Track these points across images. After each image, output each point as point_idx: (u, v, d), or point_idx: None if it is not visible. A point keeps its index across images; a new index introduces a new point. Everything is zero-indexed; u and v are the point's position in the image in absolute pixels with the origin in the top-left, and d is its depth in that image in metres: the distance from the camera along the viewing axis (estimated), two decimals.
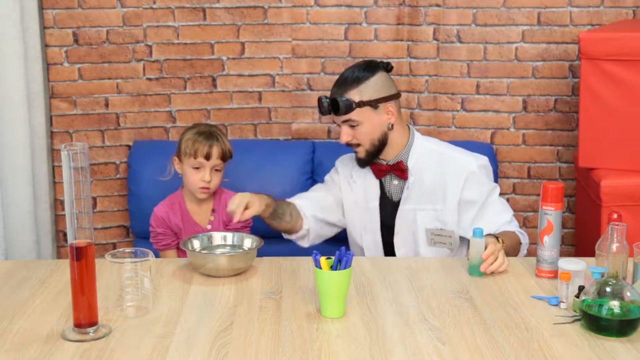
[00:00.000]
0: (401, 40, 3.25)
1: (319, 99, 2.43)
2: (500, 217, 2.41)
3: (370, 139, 2.42)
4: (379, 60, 2.50)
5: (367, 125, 2.40)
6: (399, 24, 3.24)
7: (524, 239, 2.41)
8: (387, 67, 2.48)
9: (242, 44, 3.26)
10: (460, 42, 3.23)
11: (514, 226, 2.41)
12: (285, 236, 2.54)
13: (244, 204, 2.24)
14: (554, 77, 3.23)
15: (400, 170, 2.47)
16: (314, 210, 2.52)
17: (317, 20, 3.25)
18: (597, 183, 2.75)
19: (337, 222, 2.59)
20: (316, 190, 2.62)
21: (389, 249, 2.51)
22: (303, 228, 2.49)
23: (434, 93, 3.28)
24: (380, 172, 2.49)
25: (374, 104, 2.40)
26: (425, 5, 3.20)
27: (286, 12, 3.24)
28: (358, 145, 2.43)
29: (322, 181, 2.68)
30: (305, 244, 2.55)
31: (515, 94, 3.26)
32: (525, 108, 3.27)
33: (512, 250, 2.32)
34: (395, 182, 2.49)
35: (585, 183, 2.95)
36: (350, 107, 2.37)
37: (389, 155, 2.47)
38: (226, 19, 3.23)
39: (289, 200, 2.53)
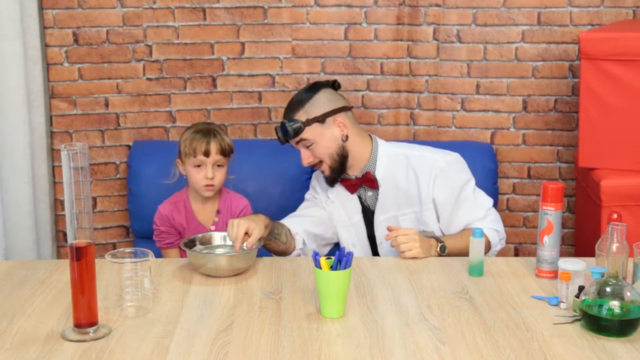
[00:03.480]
0: (401, 40, 3.25)
1: (276, 130, 2.47)
2: (471, 214, 2.40)
3: (329, 154, 2.44)
4: (325, 80, 2.54)
5: (321, 142, 2.43)
6: (399, 24, 3.24)
7: (497, 236, 2.39)
8: (334, 85, 2.52)
9: (242, 44, 3.26)
10: (460, 42, 3.23)
11: (486, 223, 2.38)
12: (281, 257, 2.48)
13: (243, 231, 2.14)
14: (554, 77, 3.23)
15: (370, 181, 2.47)
16: (307, 228, 2.49)
17: (317, 20, 3.25)
18: (597, 183, 2.75)
19: (332, 237, 2.58)
20: (307, 208, 2.59)
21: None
22: (297, 248, 2.46)
23: (434, 93, 3.28)
24: (352, 187, 2.50)
25: (320, 119, 2.42)
26: (425, 5, 3.20)
27: (286, 12, 3.24)
28: (320, 163, 2.45)
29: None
30: None
31: (515, 94, 3.26)
32: (525, 108, 3.27)
33: (466, 250, 2.24)
34: (370, 193, 2.50)
35: (585, 183, 2.96)
36: (299, 128, 2.41)
37: (354, 169, 2.48)
38: (226, 19, 3.23)
39: (280, 222, 2.49)
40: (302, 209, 2.61)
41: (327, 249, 2.60)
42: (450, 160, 2.46)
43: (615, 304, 1.73)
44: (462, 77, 3.26)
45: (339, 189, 2.53)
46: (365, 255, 2.52)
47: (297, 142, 2.44)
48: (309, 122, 2.41)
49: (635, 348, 1.68)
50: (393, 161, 2.47)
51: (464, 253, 2.22)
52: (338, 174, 2.47)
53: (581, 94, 2.82)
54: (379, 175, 2.46)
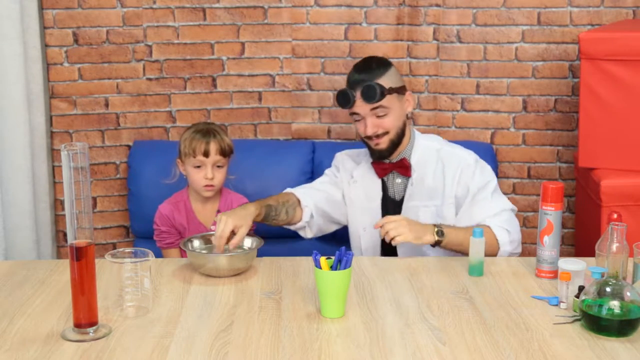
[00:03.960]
0: (401, 40, 3.25)
1: (343, 91, 2.38)
2: (484, 212, 2.37)
3: (397, 127, 2.41)
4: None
5: (394, 113, 2.39)
6: (399, 24, 3.24)
7: (508, 236, 2.31)
8: None
9: (242, 44, 3.26)
10: (460, 42, 3.23)
11: (496, 221, 2.34)
12: (285, 226, 2.51)
13: (229, 230, 2.14)
14: (554, 77, 3.23)
15: (404, 168, 2.46)
16: (318, 202, 2.49)
17: (317, 20, 3.25)
18: (597, 183, 2.75)
19: (339, 219, 2.57)
20: (324, 183, 2.58)
21: (387, 250, 2.50)
22: (303, 220, 2.47)
23: (434, 93, 3.28)
24: (383, 171, 2.49)
25: (400, 90, 2.40)
26: (425, 5, 3.20)
27: (286, 12, 3.24)
28: (385, 134, 2.40)
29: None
30: (307, 234, 2.53)
31: (515, 94, 3.26)
32: (525, 108, 3.27)
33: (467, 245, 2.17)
34: (399, 180, 2.49)
35: (585, 183, 2.96)
36: (383, 93, 2.35)
37: (393, 153, 2.47)
38: (226, 19, 3.23)
39: (292, 190, 2.51)
40: (319, 182, 2.60)
41: (333, 227, 2.60)
42: (478, 159, 2.47)
43: (615, 304, 1.73)
44: (462, 77, 3.26)
45: (366, 171, 2.52)
46: (372, 241, 2.52)
47: (374, 108, 2.37)
48: (391, 91, 2.38)
49: (635, 348, 1.68)
50: (426, 153, 2.48)
51: (466, 247, 2.20)
52: (394, 148, 2.44)
53: (581, 94, 2.82)
54: (414, 162, 2.46)
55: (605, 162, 2.81)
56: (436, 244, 2.26)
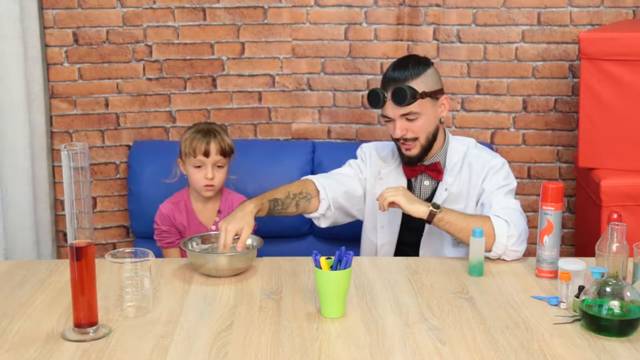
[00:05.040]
0: (401, 40, 3.25)
1: (374, 91, 2.33)
2: (492, 208, 2.30)
3: (427, 132, 2.35)
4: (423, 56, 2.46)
5: (425, 118, 2.33)
6: (399, 24, 3.24)
7: (505, 228, 2.19)
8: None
9: (242, 44, 3.26)
10: (460, 42, 3.24)
11: (499, 210, 2.25)
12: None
13: (232, 238, 2.12)
14: (554, 77, 3.23)
15: (436, 171, 2.42)
16: (337, 196, 2.44)
17: (317, 20, 3.25)
18: (597, 183, 2.75)
19: (355, 214, 2.53)
20: (348, 177, 2.51)
21: (403, 248, 2.49)
22: (318, 211, 2.42)
23: None
24: (412, 172, 2.45)
25: (434, 95, 2.34)
26: (425, 5, 3.20)
27: (286, 12, 3.24)
28: (414, 139, 2.35)
29: None
30: (321, 224, 2.48)
31: (515, 94, 3.26)
32: (525, 108, 3.27)
33: (463, 231, 2.19)
34: (427, 182, 2.45)
35: (585, 183, 2.96)
36: (414, 97, 2.28)
37: (424, 158, 2.43)
38: (226, 19, 3.23)
39: (312, 179, 2.45)
40: (342, 174, 2.52)
41: (347, 220, 2.55)
42: (505, 163, 2.42)
43: (615, 304, 1.73)
44: (462, 77, 3.26)
45: (394, 169, 2.48)
46: (389, 238, 2.49)
47: (404, 113, 2.30)
48: (423, 95, 2.31)
49: (635, 348, 1.68)
50: (458, 157, 2.44)
51: (461, 227, 2.19)
52: (424, 154, 2.39)
53: (581, 94, 2.82)
54: (450, 167, 2.42)
55: (605, 162, 2.81)
56: (431, 216, 2.21)
